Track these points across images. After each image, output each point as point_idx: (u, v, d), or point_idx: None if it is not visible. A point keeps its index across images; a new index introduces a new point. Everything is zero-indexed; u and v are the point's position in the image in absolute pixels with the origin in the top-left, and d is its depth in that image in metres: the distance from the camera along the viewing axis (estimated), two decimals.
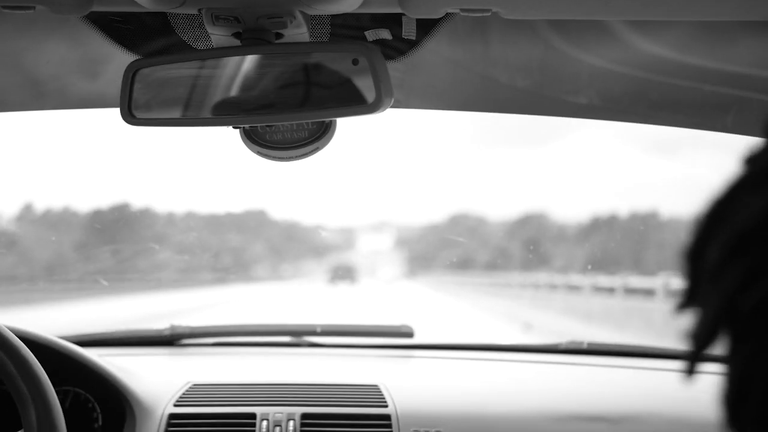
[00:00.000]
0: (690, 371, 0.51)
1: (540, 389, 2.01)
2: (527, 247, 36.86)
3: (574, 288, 22.97)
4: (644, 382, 2.11)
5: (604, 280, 20.77)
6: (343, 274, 50.14)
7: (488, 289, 30.26)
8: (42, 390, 1.34)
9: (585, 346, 2.30)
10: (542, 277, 28.55)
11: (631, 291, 18.84)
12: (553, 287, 25.30)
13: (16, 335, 1.38)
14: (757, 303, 0.46)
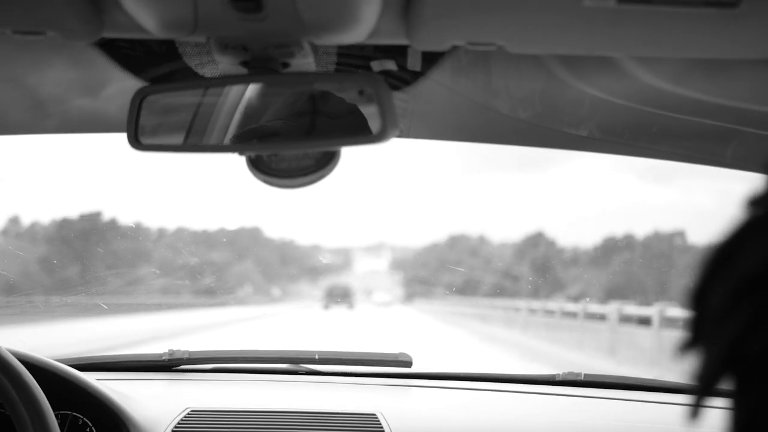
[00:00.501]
0: (695, 411, 0.51)
1: (537, 421, 2.01)
2: (534, 269, 36.66)
3: (569, 314, 22.77)
4: (642, 415, 2.11)
5: (601, 307, 20.71)
6: (340, 297, 49.15)
7: (491, 317, 28.96)
8: (41, 414, 1.35)
9: (582, 378, 2.30)
10: (538, 303, 28.05)
11: (625, 318, 18.81)
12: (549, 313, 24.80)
13: (17, 358, 1.38)
14: (761, 348, 0.46)
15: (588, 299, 24.58)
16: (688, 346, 0.52)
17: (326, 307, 47.05)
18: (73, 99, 1.55)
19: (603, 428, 1.97)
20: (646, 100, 1.57)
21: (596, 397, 2.20)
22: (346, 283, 59.37)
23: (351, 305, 47.32)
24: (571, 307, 23.05)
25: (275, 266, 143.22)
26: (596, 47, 1.19)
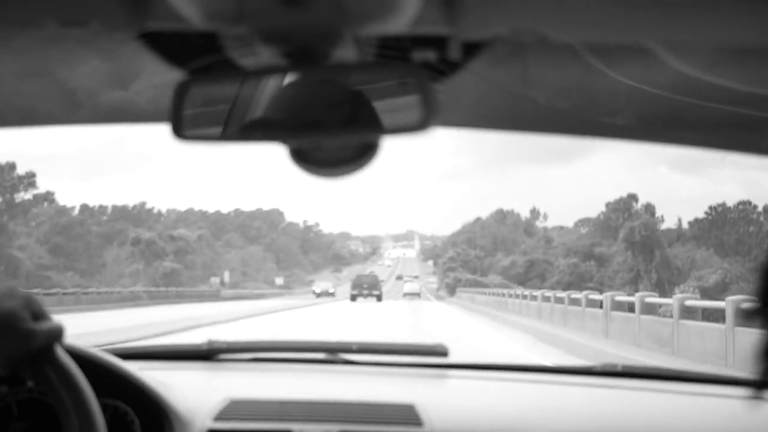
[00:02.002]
0: (758, 394, 0.50)
1: (574, 412, 2.01)
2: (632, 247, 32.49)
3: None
4: (679, 406, 2.10)
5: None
6: (367, 289, 48.01)
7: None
8: (85, 402, 1.36)
9: (620, 369, 2.30)
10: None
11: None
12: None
13: (61, 347, 1.40)
14: None
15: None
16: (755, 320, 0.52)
17: (353, 299, 46.23)
18: (105, 90, 1.56)
19: (640, 419, 1.97)
20: (679, 88, 1.56)
21: (634, 389, 2.20)
22: (373, 275, 57.22)
23: (379, 297, 46.35)
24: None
25: (298, 256, 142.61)
26: (638, 34, 1.19)
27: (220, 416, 1.85)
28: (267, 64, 1.23)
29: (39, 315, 1.36)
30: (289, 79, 1.22)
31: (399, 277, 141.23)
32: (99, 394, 1.42)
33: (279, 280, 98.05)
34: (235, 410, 1.89)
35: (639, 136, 1.82)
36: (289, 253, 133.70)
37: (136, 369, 1.73)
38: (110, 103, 1.61)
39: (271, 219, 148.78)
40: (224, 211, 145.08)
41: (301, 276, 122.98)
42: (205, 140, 1.24)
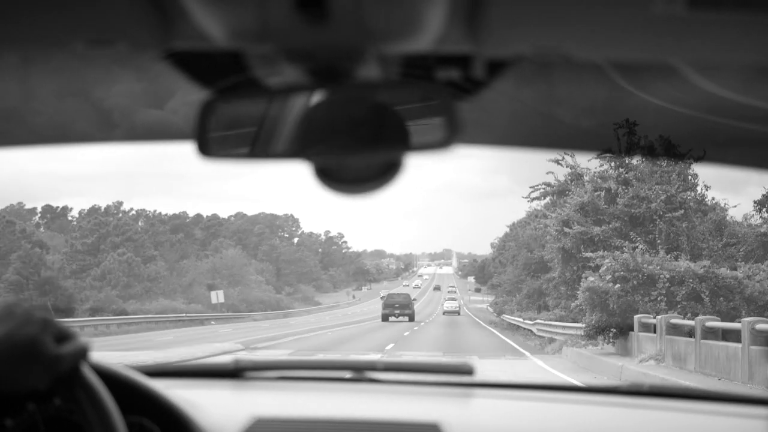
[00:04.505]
0: None
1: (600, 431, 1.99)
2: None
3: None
4: (707, 427, 2.06)
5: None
6: (399, 309, 46.00)
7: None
8: (111, 420, 1.36)
9: (646, 388, 2.27)
10: None
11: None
12: None
13: (87, 366, 1.40)
14: None
15: None
16: None
17: (384, 318, 44.69)
18: (139, 109, 1.58)
19: None
20: (710, 108, 1.55)
21: (661, 408, 2.16)
22: (405, 293, 54.66)
23: (411, 317, 44.79)
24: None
25: (316, 269, 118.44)
26: (664, 53, 1.18)
27: None
28: (292, 83, 1.23)
29: (62, 336, 1.34)
30: (313, 97, 1.22)
31: (437, 288, 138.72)
32: (125, 411, 1.43)
33: (217, 296, 57.61)
34: (260, 429, 1.89)
35: (668, 154, 1.80)
36: (298, 265, 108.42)
37: (163, 387, 1.73)
38: (145, 122, 1.62)
39: (278, 224, 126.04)
40: (224, 215, 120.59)
41: (308, 293, 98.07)
42: (230, 158, 1.24)
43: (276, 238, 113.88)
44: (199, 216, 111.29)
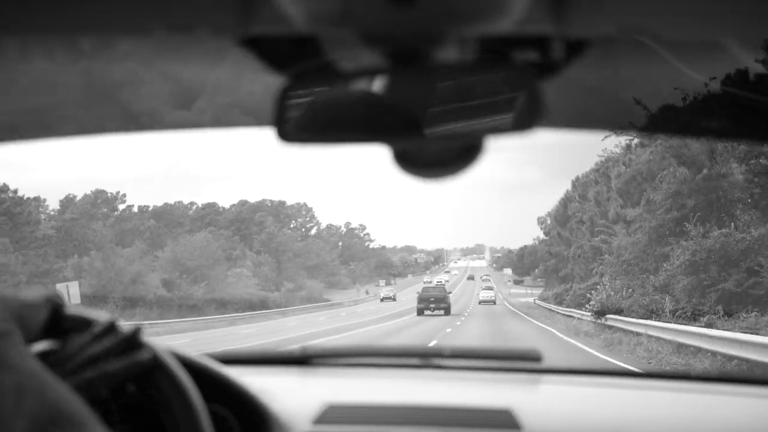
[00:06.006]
0: None
1: (673, 417, 1.98)
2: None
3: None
4: None
5: None
6: (435, 303, 45.49)
7: None
8: (193, 409, 1.37)
9: (716, 374, 2.25)
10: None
11: None
12: None
13: (170, 354, 1.42)
14: None
15: None
16: None
17: (420, 312, 44.27)
18: (219, 96, 1.58)
19: (740, 424, 1.93)
20: None
21: (733, 394, 2.14)
22: (440, 286, 53.81)
23: (447, 310, 44.30)
24: None
25: (333, 263, 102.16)
26: (752, 32, 1.17)
27: (319, 420, 1.87)
28: (369, 66, 1.22)
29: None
30: (391, 79, 1.21)
31: (470, 278, 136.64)
32: (203, 398, 1.44)
33: (68, 291, 32.40)
34: (333, 415, 1.90)
35: (735, 137, 1.78)
36: (307, 258, 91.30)
37: (235, 374, 1.74)
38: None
39: (286, 213, 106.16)
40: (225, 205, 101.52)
41: (316, 290, 79.65)
42: (308, 142, 1.24)
43: (276, 227, 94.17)
44: (192, 204, 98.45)
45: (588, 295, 34.10)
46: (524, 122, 1.17)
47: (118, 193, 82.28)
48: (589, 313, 30.20)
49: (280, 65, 1.32)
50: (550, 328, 32.19)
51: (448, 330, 29.38)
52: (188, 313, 43.48)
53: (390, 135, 1.21)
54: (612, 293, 30.96)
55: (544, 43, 1.22)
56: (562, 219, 64.42)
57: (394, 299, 72.11)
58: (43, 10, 1.13)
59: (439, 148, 1.25)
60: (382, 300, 71.92)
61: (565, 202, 63.23)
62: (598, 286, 34.11)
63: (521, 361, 2.33)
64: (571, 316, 35.59)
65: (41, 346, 1.29)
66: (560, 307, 44.22)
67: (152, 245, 64.18)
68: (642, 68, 1.47)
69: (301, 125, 1.23)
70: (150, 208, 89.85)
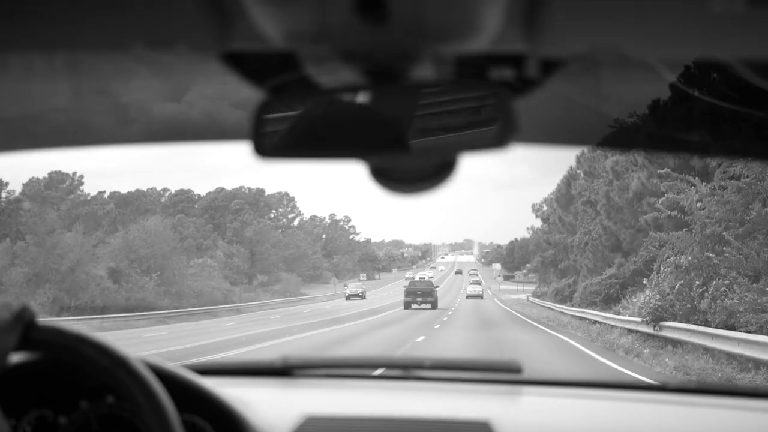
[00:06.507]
0: None
1: (651, 429, 1.99)
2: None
3: None
4: (757, 424, 2.06)
5: None
6: (422, 296, 44.91)
7: None
8: (167, 422, 1.37)
9: (694, 386, 2.27)
10: None
11: None
12: None
13: (144, 365, 1.41)
14: None
15: None
16: None
17: (407, 306, 43.83)
18: (159, 108, 1.58)
19: None
20: (758, 105, 1.54)
21: (710, 405, 2.15)
22: (428, 280, 50.95)
23: (434, 304, 43.90)
24: None
25: (315, 255, 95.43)
26: (721, 52, 1.18)
27: None
28: (346, 83, 1.24)
29: None
30: (368, 97, 1.22)
31: (458, 272, 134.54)
32: (178, 409, 1.43)
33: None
34: (311, 427, 1.90)
35: (716, 152, 1.80)
36: (285, 249, 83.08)
37: (214, 385, 1.74)
38: (167, 121, 1.62)
39: (265, 202, 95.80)
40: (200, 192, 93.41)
41: (292, 283, 72.95)
42: (284, 157, 1.24)
43: (251, 215, 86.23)
44: (166, 191, 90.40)
45: (609, 292, 29.13)
46: (499, 139, 1.18)
47: (74, 174, 72.89)
48: (633, 318, 21.43)
49: (258, 80, 1.32)
50: (570, 340, 22.61)
51: (419, 339, 21.84)
52: (135, 307, 38.77)
53: (366, 151, 1.23)
54: (673, 290, 20.48)
55: (519, 61, 1.23)
56: (564, 200, 53.42)
57: (362, 297, 62.42)
58: (22, 26, 1.12)
59: (414, 165, 1.26)
60: (347, 298, 61.87)
61: (569, 180, 52.31)
62: (645, 281, 25.08)
63: (502, 373, 2.34)
64: (583, 318, 28.15)
65: (16, 358, 1.29)
66: (569, 307, 35.68)
67: (108, 233, 55.89)
68: (621, 82, 1.48)
69: (277, 140, 1.23)
70: (107, 194, 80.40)
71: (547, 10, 1.04)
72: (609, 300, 30.32)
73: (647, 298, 20.90)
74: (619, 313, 25.23)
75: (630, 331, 21.35)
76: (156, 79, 1.47)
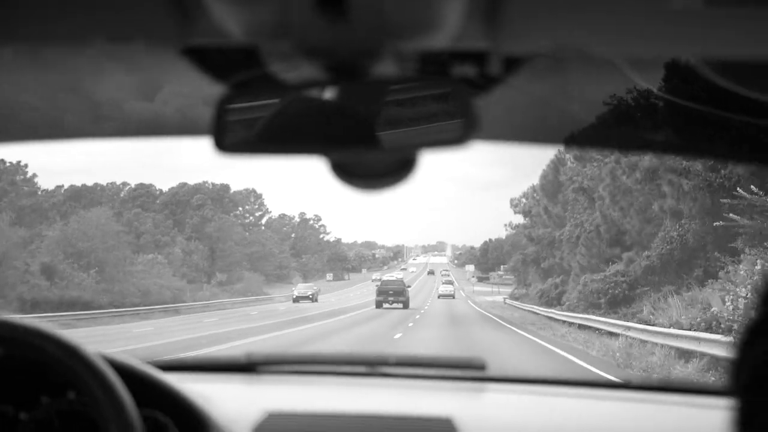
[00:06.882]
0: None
1: (613, 426, 2.00)
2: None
3: None
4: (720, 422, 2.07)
5: None
6: (393, 296, 44.61)
7: None
8: (125, 416, 1.36)
9: (656, 383, 2.29)
10: None
11: None
12: None
13: (102, 360, 1.40)
14: None
15: None
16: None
17: (378, 305, 43.45)
18: (132, 104, 1.57)
19: None
20: (721, 104, 1.55)
21: (671, 403, 2.17)
22: (399, 280, 48.78)
23: (406, 304, 43.54)
24: None
25: (283, 255, 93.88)
26: (680, 49, 1.19)
27: (259, 428, 1.87)
28: (308, 79, 1.23)
29: None
30: (330, 93, 1.22)
31: (431, 272, 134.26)
32: (139, 405, 1.43)
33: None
34: (273, 423, 1.90)
35: (681, 151, 1.81)
36: (249, 247, 79.30)
37: (176, 381, 1.74)
38: (139, 117, 1.61)
39: (230, 198, 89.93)
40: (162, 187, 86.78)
41: (254, 283, 68.32)
42: (246, 153, 1.24)
43: (213, 211, 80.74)
44: (125, 185, 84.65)
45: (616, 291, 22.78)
46: (460, 136, 1.19)
47: (18, 163, 66.17)
48: (692, 333, 14.82)
49: (219, 75, 1.31)
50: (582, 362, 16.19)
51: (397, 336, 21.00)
52: (69, 306, 35.21)
53: (327, 147, 1.22)
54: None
55: (480, 58, 1.23)
56: (551, 188, 45.90)
57: (313, 300, 55.41)
58: None
59: (375, 160, 1.26)
60: (295, 300, 54.41)
61: (556, 165, 45.13)
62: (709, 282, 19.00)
63: (466, 369, 2.35)
64: (589, 327, 22.38)
65: None
66: (568, 313, 28.34)
67: (50, 226, 51.86)
68: (587, 81, 1.49)
69: (239, 136, 1.22)
70: (62, 187, 76.17)
71: (507, 7, 1.05)
72: (615, 302, 24.73)
73: (727, 305, 14.77)
74: (650, 323, 18.91)
75: (684, 352, 14.75)
76: (128, 76, 1.46)
